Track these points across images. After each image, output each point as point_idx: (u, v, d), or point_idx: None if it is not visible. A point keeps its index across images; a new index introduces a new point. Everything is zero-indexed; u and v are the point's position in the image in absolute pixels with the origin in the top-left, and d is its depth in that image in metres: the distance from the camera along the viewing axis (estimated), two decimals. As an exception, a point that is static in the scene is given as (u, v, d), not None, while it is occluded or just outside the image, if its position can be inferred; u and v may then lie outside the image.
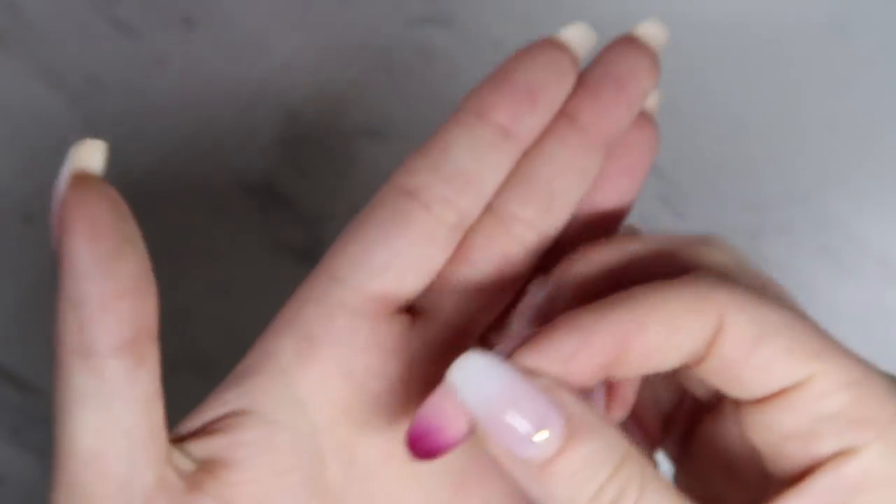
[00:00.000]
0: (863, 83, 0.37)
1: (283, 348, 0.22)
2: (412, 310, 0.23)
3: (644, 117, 0.25)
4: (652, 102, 0.25)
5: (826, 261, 0.38)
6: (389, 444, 0.22)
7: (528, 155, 0.23)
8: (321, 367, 0.22)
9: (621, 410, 0.23)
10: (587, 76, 0.24)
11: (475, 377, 0.18)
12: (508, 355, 0.19)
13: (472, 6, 0.37)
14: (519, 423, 0.18)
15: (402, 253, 0.22)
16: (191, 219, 0.37)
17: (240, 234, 0.37)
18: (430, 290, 0.23)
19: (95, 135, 0.38)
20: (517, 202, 0.23)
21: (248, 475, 0.20)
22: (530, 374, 0.19)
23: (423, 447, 0.20)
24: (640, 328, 0.19)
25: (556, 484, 0.18)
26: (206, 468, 0.20)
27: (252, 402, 0.21)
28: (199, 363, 0.35)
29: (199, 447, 0.21)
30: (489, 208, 0.23)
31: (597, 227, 0.25)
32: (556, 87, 0.23)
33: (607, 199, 0.25)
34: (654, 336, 0.19)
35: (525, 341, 0.19)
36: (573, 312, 0.19)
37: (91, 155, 0.19)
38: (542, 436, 0.18)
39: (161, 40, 0.36)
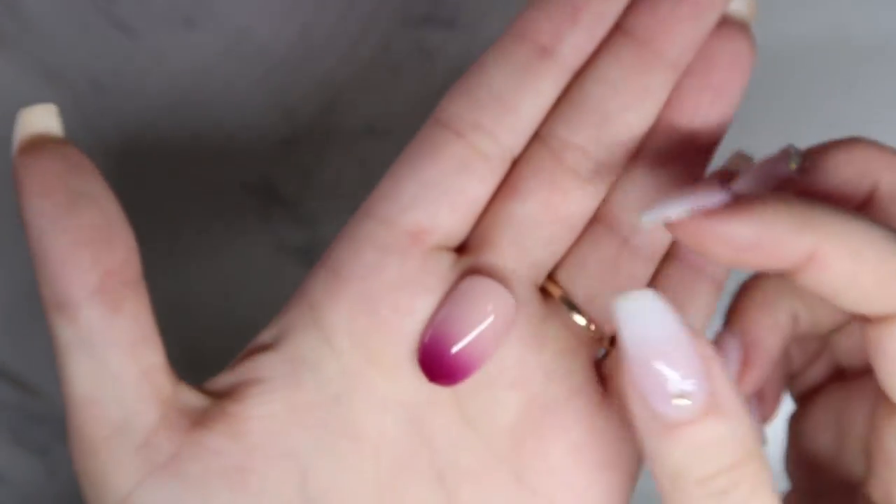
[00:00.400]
0: (863, 83, 0.37)
1: (314, 286, 0.21)
2: (466, 249, 0.22)
3: (734, 26, 0.22)
4: (742, 8, 0.22)
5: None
6: (420, 383, 0.21)
7: (579, 76, 0.22)
8: (348, 304, 0.21)
9: (752, 385, 0.22)
10: None
11: (643, 314, 0.17)
12: (707, 213, 0.18)
13: (472, 6, 0.37)
14: (666, 376, 0.17)
15: (431, 184, 0.21)
16: (191, 219, 0.37)
17: (240, 234, 0.37)
18: (479, 227, 0.22)
19: (96, 135, 0.38)
20: (566, 127, 0.22)
21: (264, 409, 0.20)
22: (696, 334, 0.17)
23: (447, 367, 0.20)
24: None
25: (676, 450, 0.17)
26: (220, 405, 0.20)
27: (278, 338, 0.21)
28: (199, 362, 0.35)
29: (221, 381, 0.21)
30: (538, 136, 0.22)
31: (681, 153, 0.22)
32: (602, 1, 0.21)
33: (689, 120, 0.22)
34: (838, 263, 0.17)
35: (732, 206, 0.18)
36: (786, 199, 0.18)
37: (39, 119, 0.20)
38: (681, 401, 0.17)
39: (161, 40, 0.36)
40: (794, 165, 0.19)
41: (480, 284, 0.21)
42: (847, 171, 0.20)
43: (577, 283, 0.23)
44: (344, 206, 0.37)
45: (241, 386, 0.21)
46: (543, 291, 0.23)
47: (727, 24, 0.22)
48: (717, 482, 0.17)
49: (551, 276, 0.23)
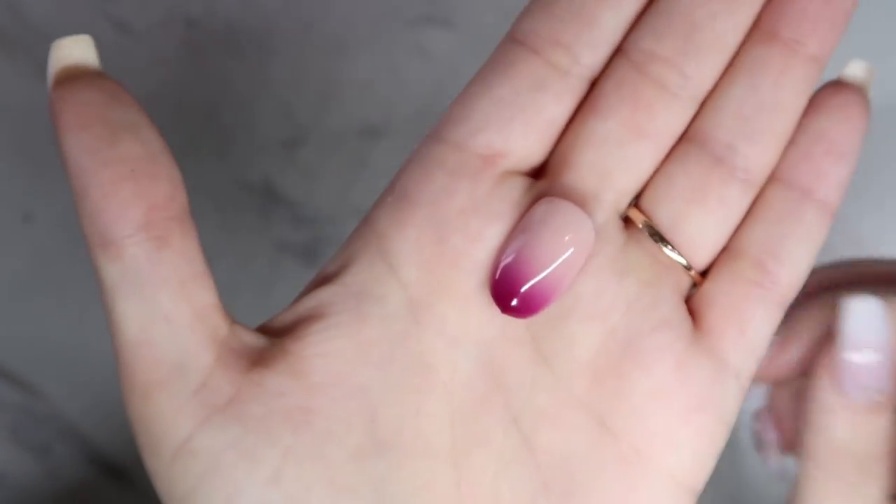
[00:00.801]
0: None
1: (380, 213, 0.20)
2: (544, 172, 0.21)
3: (852, 91, 0.22)
4: (859, 73, 0.22)
5: (825, 261, 0.38)
6: (492, 316, 0.20)
7: None
8: (416, 231, 0.20)
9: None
10: None
11: (873, 314, 0.21)
12: None
13: (472, 6, 0.37)
14: (866, 370, 0.21)
15: (505, 102, 0.20)
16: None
17: (240, 234, 0.37)
18: (557, 149, 0.21)
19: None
20: (651, 37, 0.20)
21: (327, 346, 0.19)
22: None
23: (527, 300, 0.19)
24: None
25: (842, 426, 0.22)
26: (280, 343, 0.19)
27: (342, 269, 0.20)
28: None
29: (284, 318, 0.20)
30: (620, 50, 0.21)
31: (783, 67, 0.21)
32: None
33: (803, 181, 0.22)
34: None
35: None
36: None
37: (75, 50, 0.19)
38: (873, 393, 0.21)
39: (161, 40, 0.36)
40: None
41: (557, 207, 0.20)
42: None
43: (662, 207, 0.21)
44: (344, 207, 0.37)
45: (302, 322, 0.19)
46: (626, 218, 0.21)
47: (843, 86, 0.22)
48: (863, 466, 0.22)
49: (635, 202, 0.22)
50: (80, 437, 0.36)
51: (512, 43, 0.21)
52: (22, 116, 0.37)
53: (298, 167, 0.37)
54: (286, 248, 0.37)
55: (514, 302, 0.19)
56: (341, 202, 0.37)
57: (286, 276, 0.36)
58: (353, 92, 0.37)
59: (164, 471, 0.18)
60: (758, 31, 0.21)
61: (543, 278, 0.19)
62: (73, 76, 0.18)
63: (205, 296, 0.19)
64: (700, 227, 0.21)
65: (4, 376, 0.36)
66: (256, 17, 0.36)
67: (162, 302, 0.18)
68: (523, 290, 0.19)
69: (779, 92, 0.21)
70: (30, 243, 0.36)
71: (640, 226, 0.21)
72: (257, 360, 0.19)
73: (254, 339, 0.19)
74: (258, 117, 0.37)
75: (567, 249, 0.19)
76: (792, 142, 0.21)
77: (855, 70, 0.22)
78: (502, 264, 0.19)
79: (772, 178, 0.22)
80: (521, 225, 0.20)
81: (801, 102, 0.21)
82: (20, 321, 0.36)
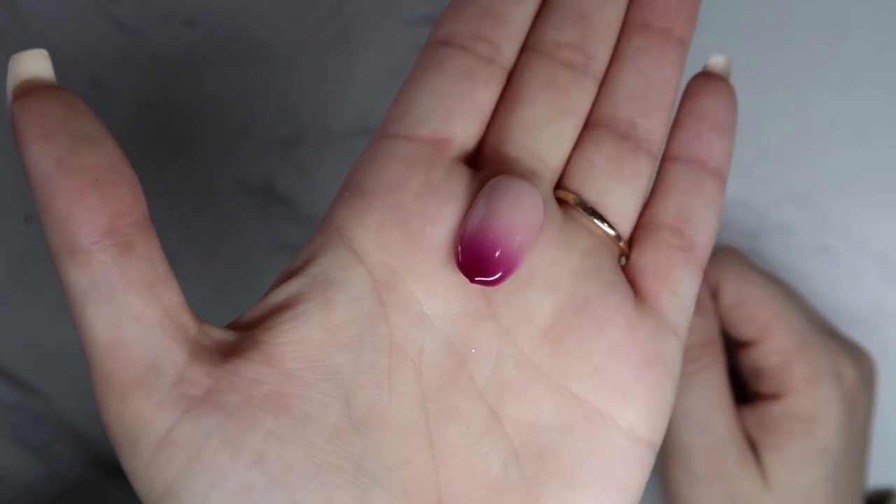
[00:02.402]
0: (863, 83, 0.37)
1: (339, 209, 0.22)
2: (477, 165, 0.23)
3: (716, 77, 0.25)
4: (720, 62, 0.25)
5: (826, 261, 0.38)
6: (455, 294, 0.21)
7: None
8: (376, 218, 0.21)
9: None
10: None
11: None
12: None
13: (472, 6, 0.37)
14: None
15: (443, 94, 0.22)
16: (191, 219, 0.37)
17: (240, 234, 0.37)
18: (491, 138, 0.23)
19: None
20: (553, 29, 0.24)
21: (297, 333, 0.20)
22: None
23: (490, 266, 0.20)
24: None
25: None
26: (251, 335, 0.20)
27: (308, 262, 0.21)
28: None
29: (248, 315, 0.21)
30: (528, 47, 0.24)
31: (665, 48, 0.24)
32: None
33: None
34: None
35: None
36: None
37: (32, 64, 0.19)
38: None
39: (161, 40, 0.36)
40: None
41: (510, 182, 0.21)
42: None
43: (586, 185, 0.23)
44: (344, 206, 0.37)
45: (271, 314, 0.20)
46: (557, 199, 0.23)
47: (711, 75, 0.25)
48: (690, 353, 0.31)
49: (560, 184, 0.24)
50: (80, 437, 0.36)
51: (436, 45, 0.23)
52: (22, 116, 0.37)
53: (298, 167, 0.37)
54: (286, 248, 0.37)
55: (482, 268, 0.21)
56: (341, 202, 0.37)
57: (286, 276, 0.36)
58: (353, 92, 0.37)
59: (145, 467, 0.19)
60: (632, 23, 0.24)
61: (507, 246, 0.21)
62: (32, 89, 0.19)
63: (172, 296, 0.19)
64: (621, 198, 0.23)
65: (4, 376, 0.36)
66: (256, 17, 0.36)
67: (132, 304, 0.19)
68: (490, 258, 0.20)
69: (661, 72, 0.24)
70: (30, 243, 0.36)
71: (572, 202, 0.23)
72: (230, 352, 0.20)
73: (224, 335, 0.20)
74: (258, 117, 0.37)
75: (523, 218, 0.21)
76: (680, 125, 0.25)
77: (717, 62, 0.25)
78: (467, 237, 0.21)
79: (671, 157, 0.25)
80: (478, 201, 0.21)
81: (678, 79, 0.25)
82: (20, 321, 0.36)
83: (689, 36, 0.25)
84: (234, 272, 0.37)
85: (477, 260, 0.20)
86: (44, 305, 0.36)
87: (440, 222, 0.21)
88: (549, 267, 0.22)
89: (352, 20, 0.37)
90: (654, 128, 0.24)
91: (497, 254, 0.20)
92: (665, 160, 0.25)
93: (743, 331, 0.33)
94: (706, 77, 0.25)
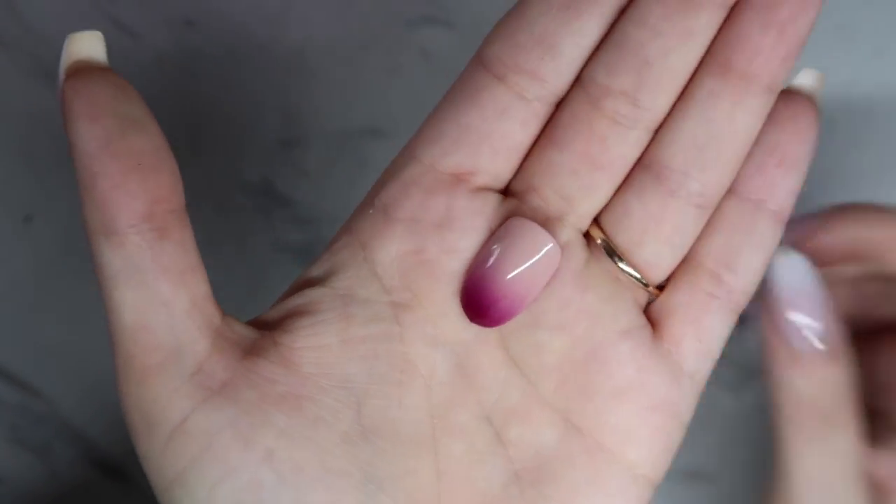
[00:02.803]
0: (863, 83, 0.37)
1: (362, 225, 0.22)
2: (507, 192, 0.22)
3: (802, 100, 0.23)
4: (810, 81, 0.23)
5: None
6: (465, 327, 0.22)
7: (620, 17, 0.21)
8: (396, 243, 0.21)
9: None
10: None
11: (796, 269, 0.23)
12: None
13: (472, 6, 0.37)
14: (805, 321, 0.22)
15: (472, 127, 0.21)
16: (191, 219, 0.37)
17: (240, 234, 0.37)
18: (524, 171, 0.22)
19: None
20: (604, 71, 0.21)
21: (316, 340, 0.20)
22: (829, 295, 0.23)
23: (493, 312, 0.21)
24: None
25: (801, 380, 0.23)
26: (270, 336, 0.20)
27: (328, 274, 0.21)
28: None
29: (271, 314, 0.21)
30: (578, 81, 0.22)
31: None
32: None
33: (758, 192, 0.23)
34: None
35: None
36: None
37: (86, 45, 0.19)
38: (815, 341, 0.23)
39: (161, 40, 0.36)
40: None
41: (522, 226, 0.21)
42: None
43: (620, 230, 0.22)
44: (344, 207, 0.37)
45: (291, 317, 0.21)
46: (587, 236, 0.23)
47: (795, 97, 0.23)
48: (829, 417, 0.23)
49: (596, 221, 0.23)
50: (80, 437, 0.36)
51: (478, 67, 0.22)
52: (22, 117, 0.37)
53: (298, 167, 0.37)
54: (286, 248, 0.37)
55: (481, 312, 0.21)
56: (341, 202, 0.37)
57: (286, 276, 0.36)
58: (353, 92, 0.37)
59: (158, 453, 0.19)
60: (711, 61, 0.21)
61: (508, 293, 0.21)
62: (84, 70, 0.19)
63: (201, 286, 0.20)
64: (656, 252, 0.22)
65: (4, 376, 0.36)
66: (256, 18, 0.36)
67: (161, 289, 0.19)
68: (489, 301, 0.21)
69: (733, 122, 0.21)
70: (30, 243, 0.36)
71: (599, 242, 0.22)
72: (249, 350, 0.20)
73: (245, 331, 0.20)
74: (258, 117, 0.37)
75: (531, 267, 0.21)
76: None
77: (806, 79, 0.23)
78: (471, 278, 0.21)
79: (728, 189, 0.22)
80: (490, 242, 0.21)
81: (754, 130, 0.22)
82: (20, 322, 0.36)
83: (780, 83, 0.21)
84: (234, 272, 0.37)
85: (477, 303, 0.21)
86: (44, 306, 0.36)
87: (456, 254, 0.21)
88: (561, 309, 0.22)
89: (352, 21, 0.37)
90: (713, 181, 0.22)
91: (498, 301, 0.21)
92: None
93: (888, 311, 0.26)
94: (788, 98, 0.22)
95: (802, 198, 0.35)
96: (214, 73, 0.36)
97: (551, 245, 0.21)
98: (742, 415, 0.36)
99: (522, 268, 0.21)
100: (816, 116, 0.23)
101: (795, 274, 0.23)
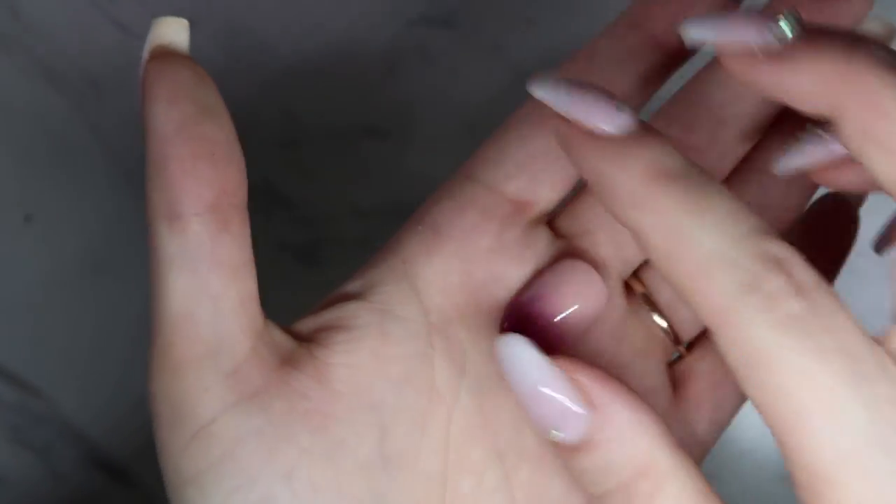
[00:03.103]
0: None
1: (409, 240, 0.21)
2: (557, 229, 0.22)
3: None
4: (879, 28, 0.22)
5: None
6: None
7: (698, 74, 0.22)
8: (443, 261, 0.21)
9: None
10: None
11: (519, 356, 0.18)
12: None
13: (472, 6, 0.37)
14: (544, 411, 0.18)
15: (539, 154, 0.21)
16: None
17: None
18: (578, 211, 0.22)
19: (96, 135, 0.38)
20: (680, 128, 0.22)
21: (349, 358, 0.20)
22: (556, 368, 0.18)
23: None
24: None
25: (572, 469, 0.18)
26: (307, 347, 0.20)
27: (367, 288, 0.21)
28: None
29: (306, 324, 0.21)
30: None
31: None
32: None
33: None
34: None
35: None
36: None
37: (172, 31, 0.20)
38: (557, 434, 0.18)
39: (161, 40, 0.36)
40: (772, 33, 0.17)
41: (578, 268, 0.21)
42: (816, 77, 0.16)
43: (662, 286, 0.23)
44: (344, 207, 0.37)
45: (328, 331, 0.20)
46: (627, 287, 0.23)
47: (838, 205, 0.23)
48: (611, 500, 0.18)
49: (637, 273, 0.23)
50: (80, 437, 0.36)
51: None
52: (22, 117, 0.37)
53: (298, 167, 0.37)
54: (286, 248, 0.37)
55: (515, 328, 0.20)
56: (341, 202, 0.37)
57: (286, 276, 0.36)
58: (353, 92, 0.37)
59: (180, 449, 0.19)
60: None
61: (551, 332, 0.20)
62: (167, 54, 0.19)
63: (250, 284, 0.19)
64: (690, 311, 0.22)
65: (4, 376, 0.36)
66: (256, 18, 0.36)
67: (213, 282, 0.19)
68: (531, 333, 0.19)
69: (786, 200, 0.22)
70: (30, 243, 0.36)
71: (639, 296, 0.22)
72: (286, 360, 0.20)
73: (283, 339, 0.20)
74: (258, 117, 0.37)
75: (578, 311, 0.20)
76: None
77: (874, 24, 0.22)
78: (518, 310, 0.21)
79: None
80: (542, 276, 0.21)
81: (803, 208, 0.22)
82: (20, 322, 0.36)
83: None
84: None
85: (517, 332, 0.20)
86: (44, 306, 0.36)
87: (503, 282, 0.21)
88: (594, 357, 0.22)
89: (352, 20, 0.37)
90: None
91: (540, 339, 0.19)
92: None
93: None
94: (831, 205, 0.23)
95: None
96: (213, 72, 0.36)
97: (600, 291, 0.21)
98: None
99: (570, 311, 0.20)
100: (855, 222, 0.23)
101: (524, 361, 0.19)
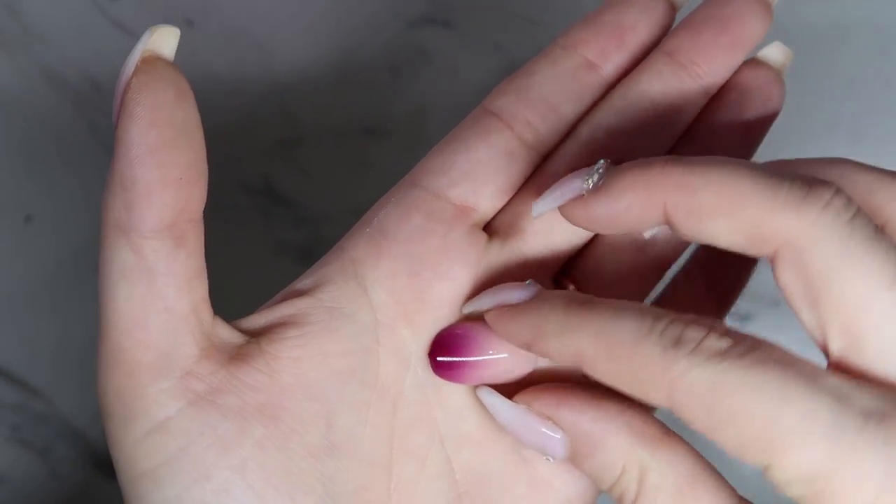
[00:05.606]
0: (863, 83, 0.37)
1: (357, 242, 0.22)
2: (491, 231, 0.23)
3: (768, 72, 0.24)
4: (778, 56, 0.24)
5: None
6: None
7: (622, 87, 0.24)
8: (390, 262, 0.22)
9: None
10: (690, 17, 0.24)
11: (488, 404, 0.22)
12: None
13: (472, 6, 0.37)
14: (530, 439, 0.21)
15: (482, 164, 0.23)
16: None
17: (240, 234, 0.37)
18: (512, 212, 0.23)
19: (96, 135, 0.38)
20: (605, 134, 0.23)
21: (300, 352, 0.21)
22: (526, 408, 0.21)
23: (448, 370, 0.22)
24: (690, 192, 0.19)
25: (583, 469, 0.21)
26: (257, 342, 0.21)
27: (316, 286, 0.22)
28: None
29: (257, 320, 0.21)
30: (576, 137, 0.23)
31: None
32: (647, 27, 0.24)
33: (718, 151, 0.23)
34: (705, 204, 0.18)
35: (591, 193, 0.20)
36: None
37: (164, 40, 0.19)
38: (548, 458, 0.21)
39: (161, 40, 0.36)
40: (589, 183, 0.20)
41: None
42: (635, 196, 0.19)
43: (590, 281, 0.24)
44: (344, 207, 0.37)
45: (278, 327, 0.21)
46: (558, 285, 0.24)
47: (763, 67, 0.24)
48: (612, 494, 0.21)
49: (568, 271, 0.24)
50: (80, 438, 0.36)
51: (486, 114, 0.23)
52: (22, 117, 0.37)
53: (298, 167, 0.37)
54: (286, 248, 0.37)
55: (439, 368, 0.22)
56: (341, 202, 0.37)
57: (286, 276, 0.36)
58: (353, 92, 0.37)
59: (132, 444, 0.20)
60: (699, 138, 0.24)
61: (467, 368, 0.22)
62: (153, 68, 0.19)
63: (202, 290, 0.20)
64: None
65: (4, 376, 0.36)
66: (256, 18, 0.36)
67: (167, 295, 0.19)
68: (439, 358, 0.22)
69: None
70: (30, 243, 0.36)
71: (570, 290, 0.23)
72: (235, 356, 0.20)
73: (232, 335, 0.21)
74: (258, 117, 0.37)
75: (495, 361, 0.22)
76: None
77: (773, 52, 0.24)
78: (444, 331, 0.22)
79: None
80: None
81: None
82: (20, 322, 0.36)
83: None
84: (234, 272, 0.37)
85: (435, 350, 0.22)
86: (44, 306, 0.36)
87: (447, 281, 0.22)
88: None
89: (352, 20, 0.37)
90: (672, 249, 0.24)
91: (446, 361, 0.22)
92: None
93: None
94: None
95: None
96: (214, 72, 0.36)
97: (528, 363, 0.22)
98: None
99: (485, 360, 0.22)
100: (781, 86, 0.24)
101: (499, 408, 0.22)
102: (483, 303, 0.21)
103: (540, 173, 0.23)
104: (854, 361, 0.17)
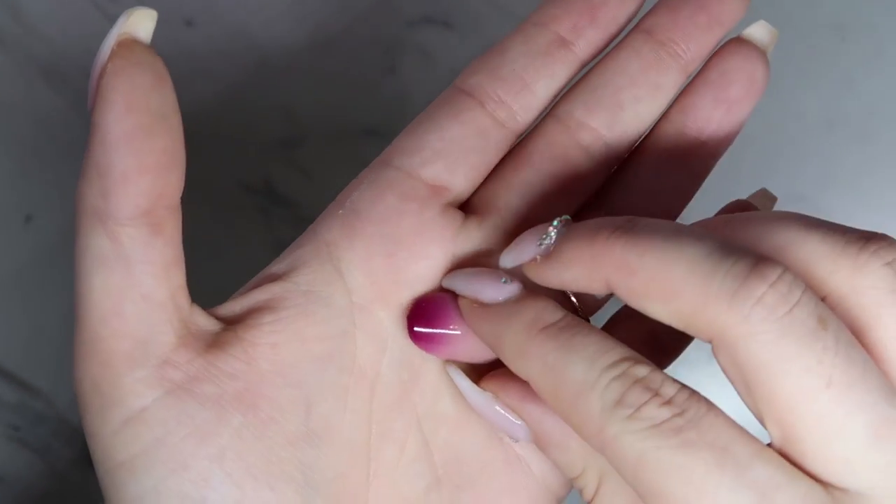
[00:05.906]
0: (863, 83, 0.37)
1: (331, 224, 0.22)
2: (468, 211, 0.23)
3: (753, 48, 0.24)
4: (762, 34, 0.24)
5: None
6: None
7: (599, 65, 0.24)
8: (365, 243, 0.22)
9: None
10: None
11: (458, 385, 0.22)
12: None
13: (472, 6, 0.37)
14: (495, 421, 0.21)
15: (454, 142, 0.22)
16: (191, 219, 0.37)
17: (240, 234, 0.37)
18: (488, 190, 0.23)
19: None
20: (583, 109, 0.23)
21: (276, 337, 0.21)
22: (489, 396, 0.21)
23: (424, 339, 0.21)
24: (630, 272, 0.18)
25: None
26: (233, 329, 0.21)
27: (291, 270, 0.22)
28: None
29: (233, 306, 0.21)
30: (553, 114, 0.23)
31: (686, 159, 0.24)
32: (618, 4, 0.23)
33: (700, 128, 0.23)
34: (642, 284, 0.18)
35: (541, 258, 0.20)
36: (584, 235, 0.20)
37: (140, 22, 0.19)
38: (510, 440, 0.22)
39: (161, 41, 0.36)
40: (542, 246, 0.20)
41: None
42: (581, 268, 0.19)
43: None
44: (344, 206, 0.37)
45: (254, 313, 0.21)
46: None
47: (747, 44, 0.24)
48: (578, 489, 0.21)
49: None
50: (79, 437, 0.36)
51: (459, 92, 0.23)
52: (22, 116, 0.37)
53: (298, 167, 0.37)
54: (286, 248, 0.37)
55: (413, 329, 0.22)
56: (341, 202, 0.37)
57: (286, 276, 0.36)
58: (353, 92, 0.37)
59: (109, 434, 0.19)
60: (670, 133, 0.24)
61: (435, 337, 0.22)
62: (129, 52, 0.19)
63: (179, 277, 0.20)
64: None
65: (4, 376, 0.36)
66: (256, 18, 0.36)
67: (144, 283, 0.19)
68: (416, 329, 0.22)
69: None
70: (30, 243, 0.36)
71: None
72: (212, 343, 0.20)
73: (208, 324, 0.21)
74: (258, 117, 0.37)
75: (471, 338, 0.21)
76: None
77: (757, 31, 0.24)
78: (424, 298, 0.22)
79: None
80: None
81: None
82: (20, 321, 0.36)
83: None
84: (234, 272, 0.37)
85: (412, 320, 0.22)
86: (44, 305, 0.36)
87: (423, 261, 0.22)
88: None
89: (352, 20, 0.37)
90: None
91: (422, 332, 0.22)
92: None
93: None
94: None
95: (801, 199, 0.35)
96: (214, 72, 0.36)
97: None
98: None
99: (455, 320, 0.22)
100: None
101: (464, 388, 0.22)
102: (459, 284, 0.21)
103: (520, 152, 0.23)
104: (791, 454, 0.17)
